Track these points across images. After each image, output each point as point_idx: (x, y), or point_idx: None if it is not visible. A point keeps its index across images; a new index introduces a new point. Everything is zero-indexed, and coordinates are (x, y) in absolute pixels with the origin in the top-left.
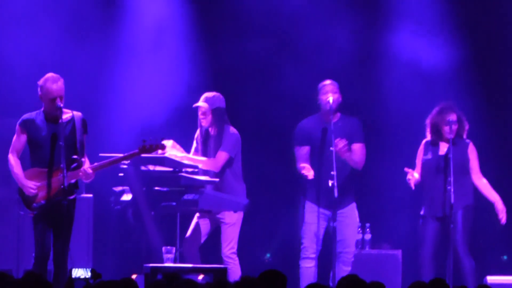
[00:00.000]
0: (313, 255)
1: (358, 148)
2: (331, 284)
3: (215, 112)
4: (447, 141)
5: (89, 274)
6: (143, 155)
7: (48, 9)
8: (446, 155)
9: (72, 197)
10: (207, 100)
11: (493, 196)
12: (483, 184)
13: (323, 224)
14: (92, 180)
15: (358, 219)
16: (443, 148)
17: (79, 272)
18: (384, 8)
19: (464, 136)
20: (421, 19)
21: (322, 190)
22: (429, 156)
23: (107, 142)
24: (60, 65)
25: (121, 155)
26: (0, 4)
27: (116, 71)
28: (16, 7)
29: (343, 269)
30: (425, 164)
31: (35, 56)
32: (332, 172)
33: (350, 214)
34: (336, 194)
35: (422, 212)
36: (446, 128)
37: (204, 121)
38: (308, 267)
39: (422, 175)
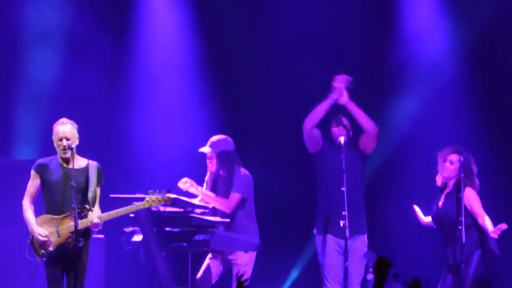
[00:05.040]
0: None
1: None
2: None
3: (220, 155)
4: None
5: None
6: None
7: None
8: (456, 199)
9: (81, 244)
10: (211, 144)
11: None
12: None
13: (341, 259)
14: (99, 229)
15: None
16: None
17: None
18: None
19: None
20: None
21: (334, 222)
22: (437, 205)
23: (119, 181)
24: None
25: (130, 195)
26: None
27: (131, 106)
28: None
29: None
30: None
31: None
32: (343, 213)
33: (357, 247)
34: (347, 234)
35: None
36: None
37: (210, 165)
38: None
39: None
